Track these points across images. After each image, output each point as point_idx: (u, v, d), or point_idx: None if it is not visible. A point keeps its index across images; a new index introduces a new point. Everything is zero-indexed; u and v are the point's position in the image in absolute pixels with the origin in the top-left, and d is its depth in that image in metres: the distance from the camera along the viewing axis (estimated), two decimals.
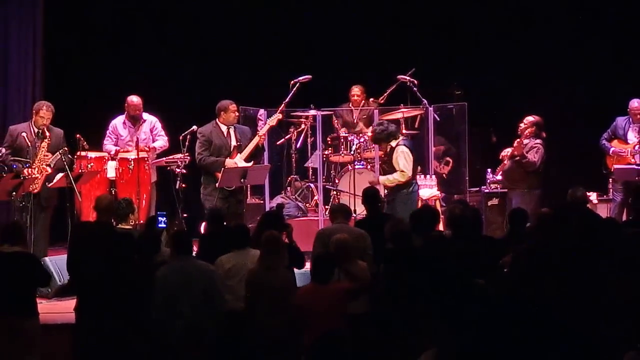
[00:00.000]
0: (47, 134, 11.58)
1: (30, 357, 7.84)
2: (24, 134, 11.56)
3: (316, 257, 8.19)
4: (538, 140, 12.25)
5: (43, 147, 11.55)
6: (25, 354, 7.83)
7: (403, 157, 11.52)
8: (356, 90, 13.54)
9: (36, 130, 11.60)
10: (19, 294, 7.95)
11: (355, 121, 13.51)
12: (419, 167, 12.27)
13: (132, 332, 7.90)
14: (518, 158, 12.18)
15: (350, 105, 13.58)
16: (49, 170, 11.52)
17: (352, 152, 12.69)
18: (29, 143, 11.53)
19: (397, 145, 11.56)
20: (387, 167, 11.73)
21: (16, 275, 7.97)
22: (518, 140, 12.20)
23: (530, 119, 12.31)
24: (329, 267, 7.93)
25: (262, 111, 12.94)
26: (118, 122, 12.61)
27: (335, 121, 13.55)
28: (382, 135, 11.50)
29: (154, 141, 12.53)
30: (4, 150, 11.40)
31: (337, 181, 12.92)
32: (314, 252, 8.85)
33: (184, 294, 7.91)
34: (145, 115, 12.58)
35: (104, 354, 7.82)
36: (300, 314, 7.79)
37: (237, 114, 12.02)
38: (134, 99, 12.50)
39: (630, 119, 12.58)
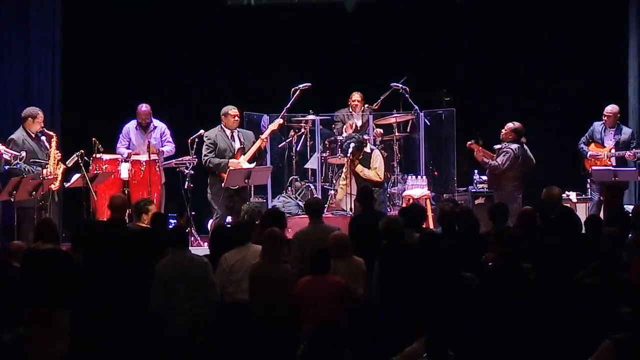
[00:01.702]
0: (52, 134, 11.64)
1: (60, 345, 7.85)
2: (24, 138, 11.60)
3: (318, 250, 8.14)
4: (513, 146, 12.20)
5: (53, 147, 11.60)
6: (55, 343, 7.84)
7: (379, 161, 11.87)
8: (356, 96, 13.54)
9: (33, 134, 11.60)
10: (52, 287, 7.94)
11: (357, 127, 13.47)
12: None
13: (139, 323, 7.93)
14: (485, 167, 12.29)
15: (350, 110, 13.57)
16: (64, 166, 11.61)
17: (348, 155, 12.68)
18: (35, 146, 11.55)
19: (372, 150, 11.92)
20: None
21: (49, 271, 7.98)
22: (475, 152, 12.26)
23: (510, 125, 12.29)
24: (327, 259, 7.92)
25: (265, 116, 12.98)
26: (131, 127, 12.72)
27: (333, 126, 13.56)
28: (360, 145, 12.01)
29: (162, 146, 12.60)
30: (23, 154, 11.41)
31: (334, 181, 12.95)
32: (292, 254, 8.81)
33: (179, 285, 7.95)
34: (156, 122, 12.70)
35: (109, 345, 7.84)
36: (300, 303, 7.79)
37: (237, 118, 12.05)
38: (143, 107, 12.64)
39: (606, 125, 12.61)
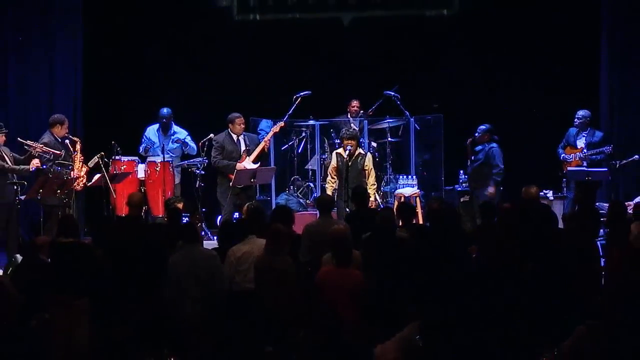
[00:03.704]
0: (77, 139, 11.61)
1: (80, 329, 7.82)
2: (54, 142, 11.55)
3: (340, 244, 8.05)
4: (493, 145, 12.29)
5: (77, 150, 11.58)
6: (76, 327, 7.81)
7: (372, 163, 11.70)
8: (355, 102, 13.53)
9: (59, 139, 11.55)
10: (73, 276, 7.91)
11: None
12: None
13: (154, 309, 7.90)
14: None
15: (349, 115, 13.52)
16: (87, 168, 11.60)
17: (346, 156, 12.62)
18: (62, 149, 11.53)
19: (365, 153, 11.70)
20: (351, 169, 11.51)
21: (71, 261, 7.95)
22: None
23: (482, 127, 12.38)
24: (349, 252, 7.84)
25: (264, 121, 12.99)
26: (152, 129, 12.87)
27: (332, 131, 13.52)
28: (355, 135, 11.64)
29: (188, 147, 12.81)
30: (63, 152, 11.33)
31: None
32: (303, 244, 8.82)
33: (191, 276, 7.94)
34: (177, 128, 12.75)
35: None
36: (321, 292, 7.69)
37: (242, 125, 12.02)
38: (165, 110, 12.80)
39: (578, 129, 12.60)
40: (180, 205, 9.96)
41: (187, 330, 7.78)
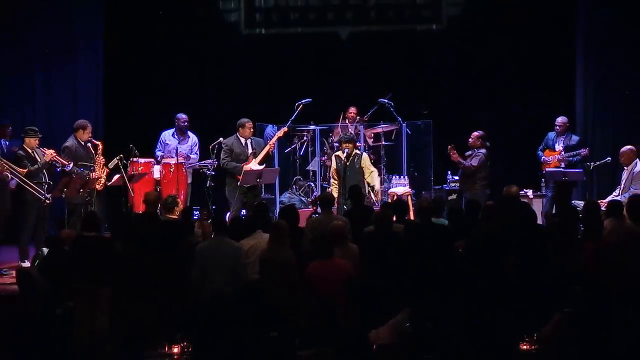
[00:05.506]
0: (98, 143, 11.61)
1: (103, 316, 7.84)
2: (76, 146, 11.53)
3: (319, 238, 8.07)
4: (482, 150, 12.30)
5: (99, 153, 11.57)
6: (99, 314, 7.83)
7: (369, 161, 11.75)
8: (353, 109, 13.54)
9: (83, 143, 11.55)
10: (97, 268, 7.93)
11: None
12: None
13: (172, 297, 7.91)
14: (460, 167, 12.28)
15: (347, 121, 13.53)
16: (108, 169, 11.58)
17: (344, 158, 12.64)
18: (84, 152, 11.51)
19: (361, 153, 11.80)
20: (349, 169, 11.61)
21: (94, 254, 7.97)
22: (452, 155, 12.24)
23: (475, 133, 12.42)
24: (330, 246, 7.85)
25: (269, 126, 13.00)
26: (167, 134, 12.78)
27: (331, 134, 13.53)
28: (352, 138, 11.79)
29: (192, 153, 12.78)
30: (71, 165, 11.31)
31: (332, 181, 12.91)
32: (305, 237, 8.84)
33: (216, 263, 7.98)
34: (190, 134, 12.74)
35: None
36: (311, 283, 7.71)
37: (252, 129, 12.07)
38: (184, 116, 12.82)
39: (557, 133, 12.64)
40: (178, 202, 9.98)
41: (204, 314, 7.78)
